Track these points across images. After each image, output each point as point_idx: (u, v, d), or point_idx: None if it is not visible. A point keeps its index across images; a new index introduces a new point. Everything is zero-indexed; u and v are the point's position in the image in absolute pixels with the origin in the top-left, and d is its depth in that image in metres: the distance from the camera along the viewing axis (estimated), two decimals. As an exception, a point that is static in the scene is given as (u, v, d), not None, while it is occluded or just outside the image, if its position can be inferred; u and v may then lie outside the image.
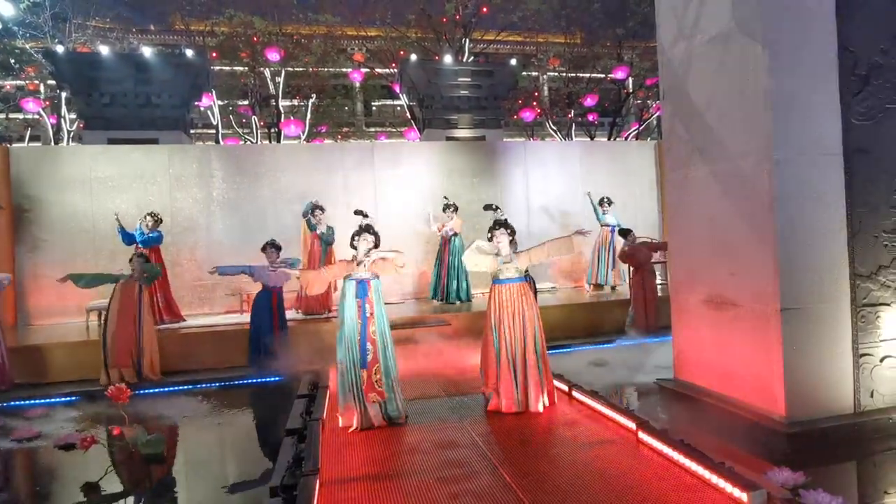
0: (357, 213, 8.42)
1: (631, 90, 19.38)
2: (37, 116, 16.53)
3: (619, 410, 4.15)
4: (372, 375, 4.31)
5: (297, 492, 3.07)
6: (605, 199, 9.91)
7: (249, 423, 5.53)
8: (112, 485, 3.92)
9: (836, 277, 3.95)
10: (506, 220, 4.88)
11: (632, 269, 8.08)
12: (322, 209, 8.32)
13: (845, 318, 3.95)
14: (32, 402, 5.73)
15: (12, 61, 16.68)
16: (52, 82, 15.58)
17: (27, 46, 16.37)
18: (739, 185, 4.23)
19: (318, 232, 8.22)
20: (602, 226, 9.83)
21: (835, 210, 3.96)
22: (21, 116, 17.54)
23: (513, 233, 4.70)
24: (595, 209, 9.82)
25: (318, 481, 3.16)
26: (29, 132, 17.60)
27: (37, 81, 16.96)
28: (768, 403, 3.95)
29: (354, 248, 4.47)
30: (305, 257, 8.32)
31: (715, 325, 4.51)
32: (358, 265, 4.41)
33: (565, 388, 4.91)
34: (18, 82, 17.35)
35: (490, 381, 4.61)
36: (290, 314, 7.77)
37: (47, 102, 16.41)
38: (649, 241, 8.87)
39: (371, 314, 4.37)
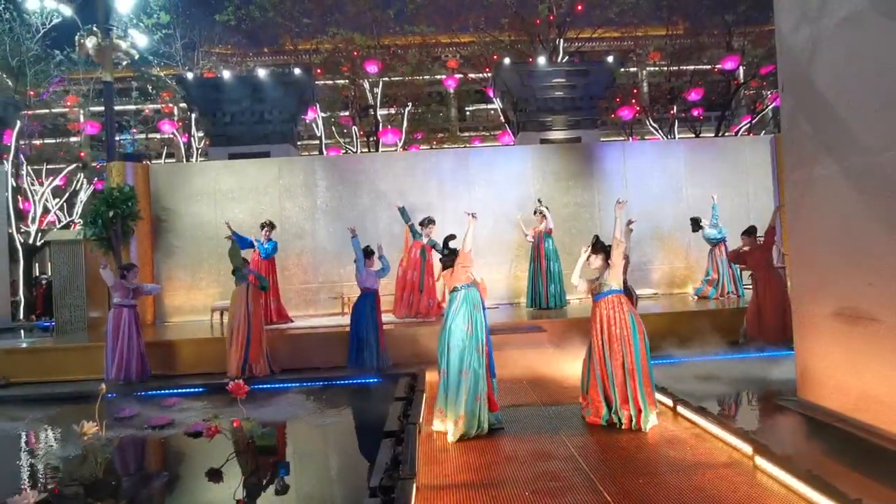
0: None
1: (742, 80, 17.89)
2: (171, 136, 18.64)
3: (732, 431, 3.82)
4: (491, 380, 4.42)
5: (394, 494, 3.16)
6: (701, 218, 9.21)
7: (350, 421, 5.79)
8: (232, 471, 4.28)
9: None
10: (601, 243, 4.67)
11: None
12: (433, 222, 8.37)
13: None
14: (166, 392, 6.43)
15: (150, 88, 19.01)
16: (183, 105, 17.51)
17: (162, 74, 18.54)
18: (878, 184, 3.74)
19: (424, 241, 8.26)
20: (709, 243, 9.15)
21: None
22: (158, 136, 19.87)
23: (607, 254, 4.55)
24: (715, 216, 9.13)
25: (415, 485, 3.23)
26: (165, 150, 19.91)
27: (171, 105, 19.12)
28: (917, 433, 3.45)
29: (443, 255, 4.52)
30: (406, 263, 8.55)
31: (848, 341, 4.02)
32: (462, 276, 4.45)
33: (669, 402, 4.63)
34: (156, 106, 19.71)
35: (587, 392, 4.50)
36: (387, 317, 8.09)
37: (180, 123, 18.46)
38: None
39: (486, 320, 4.45)
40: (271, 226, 8.83)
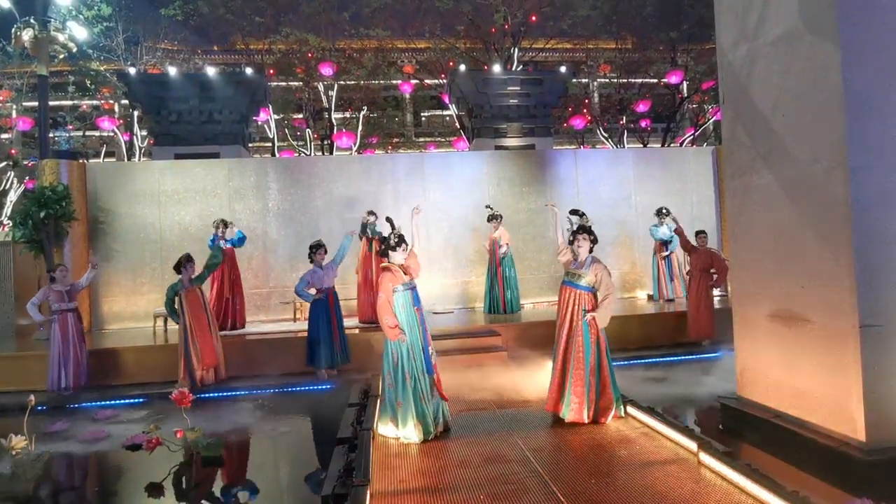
0: (387, 220, 8.27)
1: (686, 94, 18.77)
2: (111, 134, 17.73)
3: (678, 429, 3.96)
4: (439, 375, 4.45)
5: (348, 502, 3.10)
6: (663, 210, 9.49)
7: (302, 429, 5.64)
8: (173, 485, 4.08)
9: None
10: (590, 227, 4.82)
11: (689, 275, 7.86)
12: (374, 214, 8.34)
13: (933, 337, 3.63)
14: (102, 403, 6.07)
15: (88, 82, 18.04)
16: (125, 102, 16.71)
17: (102, 69, 17.63)
18: (809, 193, 3.98)
19: (367, 237, 8.33)
20: (656, 240, 9.51)
21: (920, 219, 3.65)
22: (97, 134, 18.86)
23: (594, 241, 4.73)
24: (653, 233, 9.54)
25: (368, 492, 3.17)
26: (104, 149, 18.90)
27: (111, 101, 18.20)
28: (846, 428, 3.67)
29: (387, 255, 4.49)
30: (362, 267, 8.43)
31: (783, 341, 4.25)
32: (405, 274, 4.45)
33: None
34: (94, 102, 18.71)
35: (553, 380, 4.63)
36: (351, 321, 8.01)
37: (121, 121, 17.58)
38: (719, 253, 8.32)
39: (423, 319, 4.46)
40: (225, 224, 8.55)
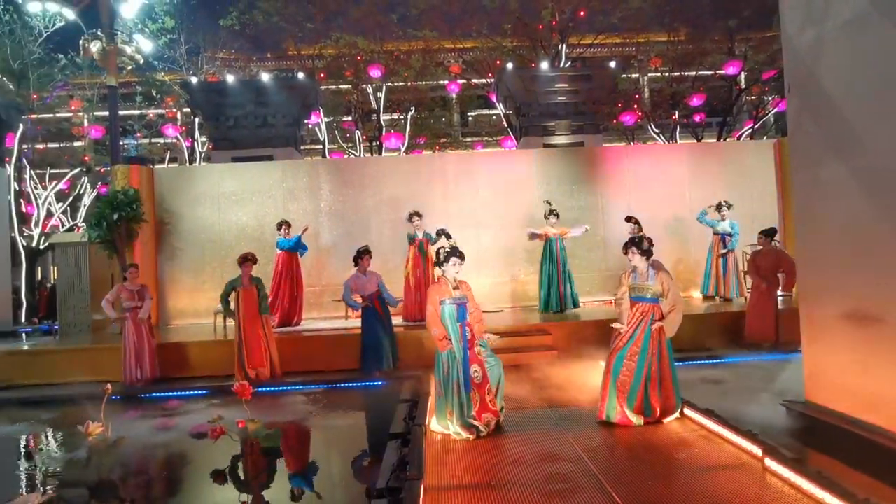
0: (440, 233, 8.08)
1: (744, 86, 17.92)
2: (175, 140, 18.71)
3: (740, 433, 3.80)
4: (485, 396, 4.33)
5: (402, 495, 3.15)
6: (724, 204, 8.99)
7: (356, 423, 5.78)
8: (236, 472, 4.27)
9: None
10: (640, 238, 4.62)
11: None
12: (419, 215, 8.30)
13: None
14: (170, 394, 6.42)
15: (154, 92, 19.11)
16: (187, 110, 17.58)
17: (166, 79, 18.64)
18: (884, 184, 3.73)
19: (420, 236, 8.26)
20: (714, 234, 9.12)
21: None
22: (162, 141, 19.95)
23: (646, 251, 4.49)
24: (711, 224, 9.07)
25: (422, 486, 3.21)
26: (168, 154, 19.98)
27: (174, 110, 19.20)
28: (926, 435, 3.43)
29: (441, 267, 4.47)
30: (411, 270, 8.44)
31: (856, 343, 4.00)
32: (454, 289, 4.43)
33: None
34: (159, 111, 19.80)
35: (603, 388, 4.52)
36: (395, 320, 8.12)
37: (183, 128, 18.53)
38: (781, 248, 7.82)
39: (472, 335, 4.41)
40: (288, 224, 8.90)
